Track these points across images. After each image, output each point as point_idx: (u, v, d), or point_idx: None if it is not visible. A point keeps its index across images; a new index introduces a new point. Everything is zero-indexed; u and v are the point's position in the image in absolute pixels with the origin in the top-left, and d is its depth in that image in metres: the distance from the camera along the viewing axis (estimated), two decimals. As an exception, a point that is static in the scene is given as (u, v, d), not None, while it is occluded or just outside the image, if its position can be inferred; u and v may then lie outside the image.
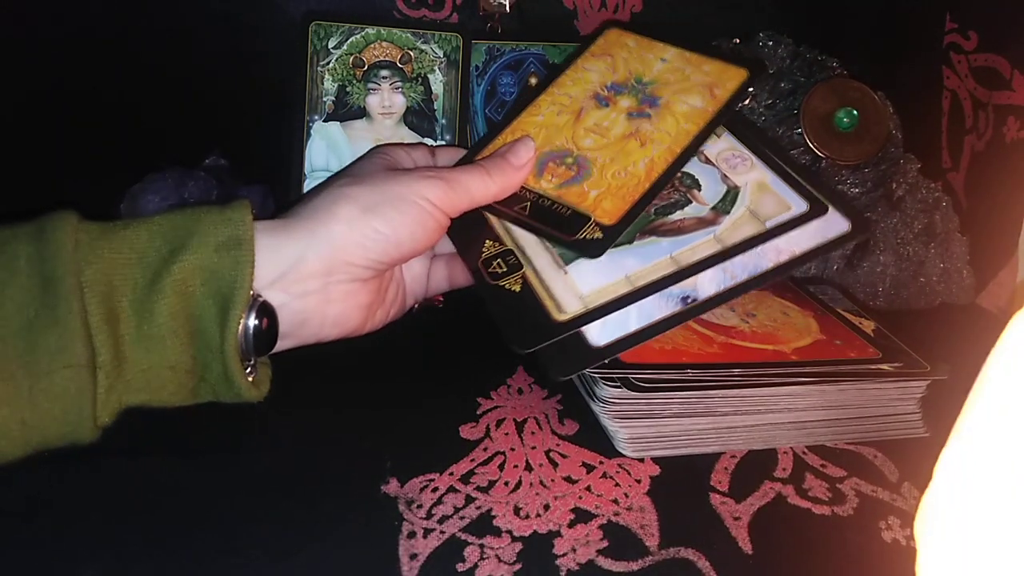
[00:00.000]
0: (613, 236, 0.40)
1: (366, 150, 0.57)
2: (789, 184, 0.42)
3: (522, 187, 0.45)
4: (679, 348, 0.42)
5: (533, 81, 0.61)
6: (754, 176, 0.43)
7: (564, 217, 0.42)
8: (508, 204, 0.44)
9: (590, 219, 0.41)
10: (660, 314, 0.39)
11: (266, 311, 0.37)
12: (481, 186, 0.42)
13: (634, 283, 0.39)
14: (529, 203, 0.43)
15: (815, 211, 0.41)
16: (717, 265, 0.40)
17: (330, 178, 0.43)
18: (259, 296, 0.37)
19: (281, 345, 0.39)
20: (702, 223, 0.42)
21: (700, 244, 0.41)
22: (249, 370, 0.37)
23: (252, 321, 0.36)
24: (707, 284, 0.40)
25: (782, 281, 0.53)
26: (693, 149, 0.42)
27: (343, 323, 0.40)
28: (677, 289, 0.39)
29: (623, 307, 0.38)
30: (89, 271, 0.34)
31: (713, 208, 0.43)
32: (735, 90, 0.44)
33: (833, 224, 0.41)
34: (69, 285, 0.33)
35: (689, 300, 0.39)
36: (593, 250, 0.40)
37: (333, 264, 0.38)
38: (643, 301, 0.39)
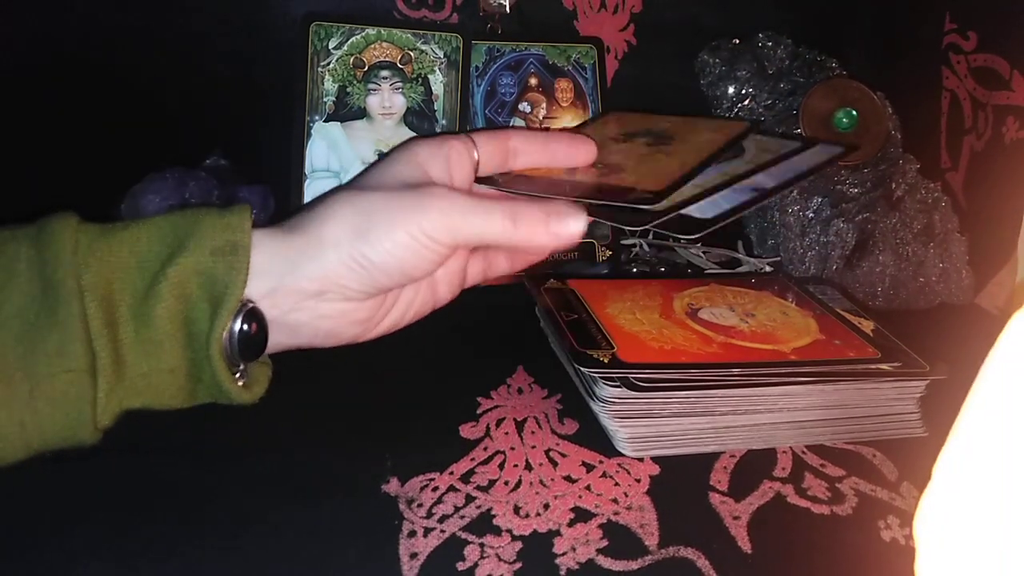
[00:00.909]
0: (662, 195, 0.39)
1: (366, 151, 0.57)
2: (776, 136, 0.49)
3: (559, 179, 0.43)
4: (679, 348, 0.42)
5: (533, 82, 0.62)
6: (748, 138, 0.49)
7: (609, 190, 0.41)
8: (552, 190, 0.41)
9: (635, 189, 0.40)
10: (741, 199, 0.42)
11: (255, 316, 0.36)
12: (498, 231, 0.38)
13: (705, 186, 0.42)
14: (568, 186, 0.42)
15: (808, 144, 0.48)
16: (763, 172, 0.44)
17: (354, 178, 0.41)
18: (249, 302, 0.36)
19: (273, 350, 0.39)
20: (730, 157, 0.46)
21: (737, 165, 0.45)
22: (238, 374, 0.37)
23: (239, 326, 0.35)
24: (766, 180, 0.44)
25: (782, 281, 0.53)
26: (714, 158, 0.44)
27: (337, 336, 0.39)
28: (744, 186, 0.43)
29: (706, 197, 0.41)
30: (89, 274, 0.34)
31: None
32: (740, 131, 0.48)
33: (830, 149, 0.47)
34: (69, 289, 0.33)
35: (758, 190, 0.43)
36: (649, 202, 0.39)
37: (324, 285, 0.37)
38: (722, 193, 0.42)
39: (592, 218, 0.39)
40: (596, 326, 0.44)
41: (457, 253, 0.40)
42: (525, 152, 0.43)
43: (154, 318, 0.35)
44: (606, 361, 0.40)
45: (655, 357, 0.41)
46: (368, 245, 0.36)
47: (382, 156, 0.42)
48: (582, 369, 0.40)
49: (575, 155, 0.44)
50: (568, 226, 0.38)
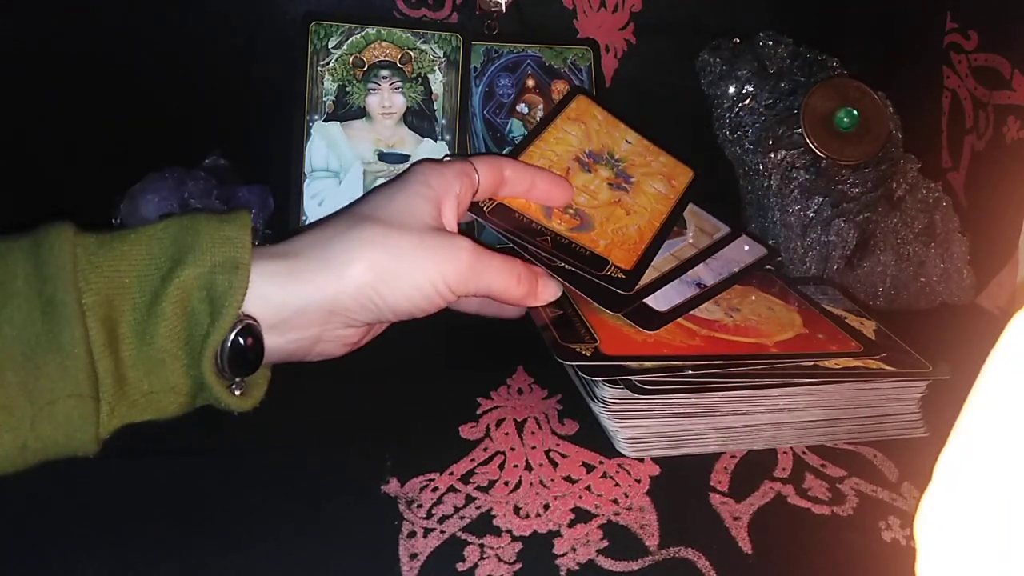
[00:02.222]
0: (633, 278, 0.46)
1: (366, 150, 0.57)
2: (707, 213, 0.55)
3: (538, 223, 0.46)
4: (661, 341, 0.42)
5: (530, 83, 0.61)
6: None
7: (586, 256, 0.46)
8: (531, 235, 0.45)
9: (609, 262, 0.46)
10: (688, 294, 0.48)
11: (251, 332, 0.36)
12: (503, 287, 0.41)
13: (660, 269, 0.48)
14: (549, 238, 0.46)
15: (734, 233, 0.54)
16: (702, 263, 0.50)
17: (366, 202, 0.40)
18: (247, 318, 0.36)
19: (266, 364, 0.39)
20: (676, 233, 0.52)
21: (683, 247, 0.51)
22: (235, 385, 0.37)
23: (236, 342, 0.35)
24: (707, 275, 0.50)
25: (766, 276, 0.54)
26: (668, 228, 0.50)
27: (328, 355, 0.41)
28: (689, 278, 0.49)
29: (661, 287, 0.47)
30: (89, 293, 0.33)
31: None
32: (687, 185, 0.54)
33: (758, 249, 0.54)
34: (71, 310, 0.32)
35: (701, 286, 0.49)
36: (622, 286, 0.45)
37: (332, 316, 0.38)
38: (672, 284, 0.48)
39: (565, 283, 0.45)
40: (580, 320, 0.44)
41: None
42: (513, 184, 0.46)
43: (156, 337, 0.34)
44: (588, 354, 0.40)
45: (637, 350, 0.41)
46: (388, 287, 0.37)
47: (394, 180, 0.42)
48: (563, 362, 0.41)
49: (554, 197, 0.48)
50: (548, 292, 0.44)
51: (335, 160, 0.57)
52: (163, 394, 0.35)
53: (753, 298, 0.50)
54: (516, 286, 0.42)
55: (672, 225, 0.51)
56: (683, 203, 0.53)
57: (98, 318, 0.33)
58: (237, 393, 0.37)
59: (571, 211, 0.48)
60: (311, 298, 0.37)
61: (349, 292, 0.37)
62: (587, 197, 0.50)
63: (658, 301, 0.46)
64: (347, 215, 0.39)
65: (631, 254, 0.47)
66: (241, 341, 0.35)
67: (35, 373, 0.32)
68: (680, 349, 0.42)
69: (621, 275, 0.45)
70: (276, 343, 0.37)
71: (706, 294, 0.48)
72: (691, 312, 0.46)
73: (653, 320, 0.44)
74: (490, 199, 0.46)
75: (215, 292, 0.35)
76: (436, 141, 0.59)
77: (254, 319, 0.36)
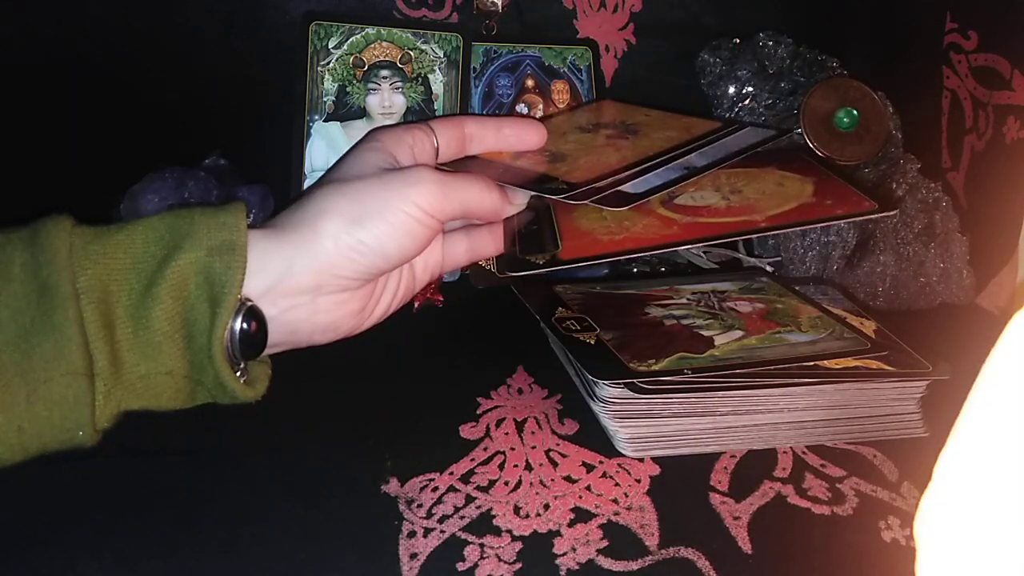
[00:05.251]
0: (576, 188, 0.42)
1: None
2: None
3: (496, 161, 0.46)
4: (631, 236, 0.41)
5: (530, 83, 0.62)
6: None
7: (532, 176, 0.44)
8: (481, 168, 0.45)
9: (557, 179, 0.43)
10: (672, 176, 0.45)
11: (255, 315, 0.36)
12: (477, 198, 0.41)
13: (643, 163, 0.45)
14: (502, 169, 0.45)
15: (738, 127, 0.50)
16: (697, 152, 0.47)
17: (324, 175, 0.42)
18: (248, 301, 0.36)
19: (272, 351, 0.39)
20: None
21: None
22: (239, 373, 0.37)
23: (240, 325, 0.36)
24: (697, 159, 0.47)
25: (795, 155, 0.52)
26: (663, 154, 0.46)
27: (335, 329, 0.40)
28: (677, 165, 0.46)
29: (643, 175, 0.44)
30: (84, 277, 0.33)
31: None
32: (708, 131, 0.49)
33: (762, 132, 0.50)
34: (65, 292, 0.33)
35: (688, 168, 0.46)
36: (557, 192, 0.42)
37: (321, 278, 0.37)
38: (656, 171, 0.45)
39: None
40: (551, 229, 0.43)
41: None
42: (480, 138, 0.46)
43: (152, 320, 0.34)
44: (541, 263, 0.39)
45: (596, 250, 0.40)
46: (364, 230, 0.37)
47: (348, 151, 0.43)
48: (509, 274, 0.40)
49: (525, 140, 0.47)
50: (519, 196, 0.44)
51: (335, 160, 0.57)
52: (159, 377, 0.35)
53: (764, 178, 0.47)
54: (489, 193, 0.42)
55: (673, 151, 0.46)
56: (698, 142, 0.47)
57: (92, 301, 0.33)
58: (242, 380, 0.37)
59: (547, 153, 0.46)
60: (294, 258, 0.37)
61: (328, 246, 0.37)
62: (574, 145, 0.47)
63: (635, 186, 0.43)
64: (310, 188, 0.41)
65: (591, 173, 0.43)
66: (246, 326, 0.36)
67: (30, 354, 0.32)
68: (650, 241, 0.40)
69: (564, 185, 0.42)
70: (270, 314, 0.37)
71: (691, 174, 0.45)
72: (678, 201, 0.44)
73: (622, 200, 0.42)
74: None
75: (213, 274, 0.35)
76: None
77: (253, 300, 0.36)
